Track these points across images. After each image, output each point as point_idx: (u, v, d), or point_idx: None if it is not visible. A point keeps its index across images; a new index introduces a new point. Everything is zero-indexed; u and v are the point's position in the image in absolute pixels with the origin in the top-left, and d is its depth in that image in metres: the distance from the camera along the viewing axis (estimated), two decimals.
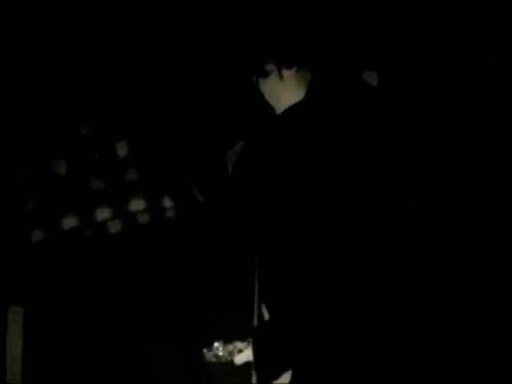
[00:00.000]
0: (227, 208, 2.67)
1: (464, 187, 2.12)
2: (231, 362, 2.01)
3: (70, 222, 2.60)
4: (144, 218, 2.65)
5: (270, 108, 2.17)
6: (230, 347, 2.01)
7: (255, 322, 2.34)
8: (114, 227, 2.63)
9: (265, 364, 1.95)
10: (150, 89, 2.72)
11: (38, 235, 2.60)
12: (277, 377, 1.96)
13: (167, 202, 2.66)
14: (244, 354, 1.99)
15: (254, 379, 2.29)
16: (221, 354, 2.01)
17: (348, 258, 1.84)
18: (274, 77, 2.05)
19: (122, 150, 2.67)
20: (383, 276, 1.83)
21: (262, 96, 2.11)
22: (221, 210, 2.68)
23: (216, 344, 2.02)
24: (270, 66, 2.04)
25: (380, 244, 1.83)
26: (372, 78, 2.32)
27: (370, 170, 1.84)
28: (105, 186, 2.64)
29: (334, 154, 1.88)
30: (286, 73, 2.04)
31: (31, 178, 2.64)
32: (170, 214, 2.67)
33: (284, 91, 2.05)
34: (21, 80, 2.67)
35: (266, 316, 2.21)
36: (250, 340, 1.98)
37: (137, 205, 2.63)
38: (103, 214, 2.61)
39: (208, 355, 2.02)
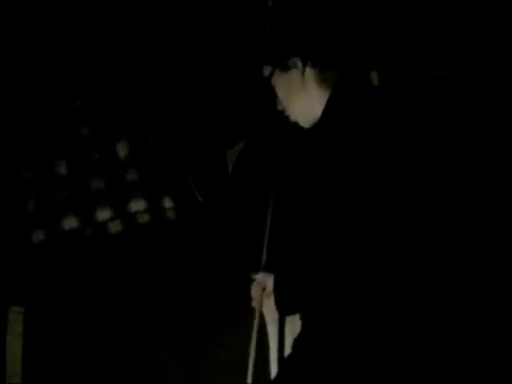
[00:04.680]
0: (227, 208, 2.67)
1: (465, 186, 2.13)
2: None
3: (70, 223, 2.60)
4: (144, 218, 2.65)
5: (269, 108, 2.16)
6: None
7: (256, 321, 2.33)
8: (114, 227, 2.62)
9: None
10: (150, 89, 2.72)
11: (38, 235, 2.60)
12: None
13: (167, 202, 2.66)
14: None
15: (249, 379, 2.30)
16: None
17: (350, 254, 1.85)
18: (294, 73, 2.00)
19: (122, 150, 2.67)
20: (385, 273, 1.83)
21: (267, 92, 2.06)
22: (221, 209, 2.68)
23: None
24: (293, 61, 2.00)
25: (383, 243, 1.83)
26: (372, 78, 2.32)
27: (373, 171, 1.84)
28: (105, 185, 2.64)
29: (346, 158, 1.86)
30: (308, 71, 1.99)
31: (31, 178, 2.64)
32: (169, 214, 2.67)
33: (301, 90, 2.00)
34: (21, 80, 2.67)
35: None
36: None
37: (137, 205, 2.63)
38: (103, 214, 2.61)
39: None
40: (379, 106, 1.94)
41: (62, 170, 2.64)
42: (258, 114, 2.60)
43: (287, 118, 2.07)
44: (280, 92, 2.03)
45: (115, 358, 2.60)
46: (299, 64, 1.99)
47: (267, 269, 2.19)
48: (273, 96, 2.06)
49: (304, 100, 2.00)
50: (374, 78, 2.20)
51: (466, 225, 1.99)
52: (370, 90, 2.01)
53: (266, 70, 2.03)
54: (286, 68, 2.00)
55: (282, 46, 2.00)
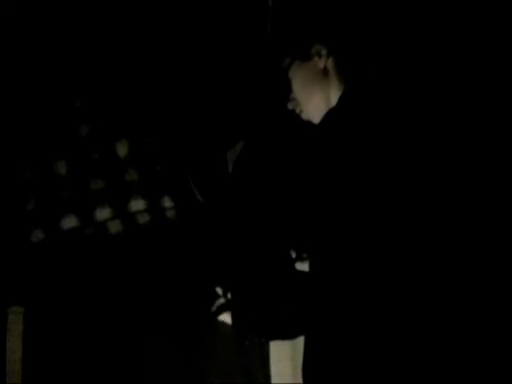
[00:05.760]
0: (227, 208, 2.67)
1: (464, 186, 2.12)
2: None
3: (70, 222, 2.60)
4: (144, 218, 2.65)
5: (269, 108, 2.16)
6: None
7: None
8: (114, 227, 2.62)
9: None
10: (150, 89, 2.72)
11: (37, 235, 2.60)
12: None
13: (167, 202, 2.66)
14: None
15: None
16: None
17: (349, 256, 1.84)
18: (314, 63, 1.96)
19: (122, 150, 2.67)
20: (384, 274, 1.83)
21: (277, 89, 2.04)
22: (221, 209, 2.68)
23: None
24: (316, 48, 1.95)
25: (382, 243, 1.83)
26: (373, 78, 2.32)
27: (373, 171, 1.84)
28: (105, 185, 2.64)
29: (351, 158, 1.85)
30: (330, 61, 1.95)
31: (31, 178, 2.65)
32: (169, 214, 2.67)
33: (322, 82, 1.96)
34: (21, 80, 2.67)
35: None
36: None
37: (137, 205, 2.63)
38: (103, 213, 2.61)
39: None
40: (391, 102, 1.93)
41: (62, 169, 2.64)
42: (259, 114, 2.60)
43: (298, 116, 2.04)
44: (297, 85, 1.99)
45: (115, 358, 2.60)
46: (324, 51, 1.95)
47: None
48: (283, 94, 2.04)
49: (323, 92, 1.96)
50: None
51: (466, 225, 1.99)
52: (384, 88, 1.99)
53: (285, 62, 1.99)
54: (306, 58, 1.96)
55: (304, 32, 1.96)
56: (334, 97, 1.95)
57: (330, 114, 1.93)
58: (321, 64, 1.95)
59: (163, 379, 2.61)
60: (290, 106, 2.04)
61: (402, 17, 2.44)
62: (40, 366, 2.59)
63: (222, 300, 2.09)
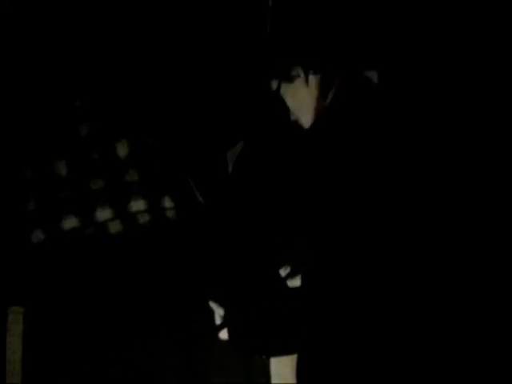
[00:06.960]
0: (227, 208, 2.67)
1: (464, 186, 2.13)
2: None
3: (70, 223, 2.60)
4: (144, 218, 2.65)
5: (269, 109, 2.17)
6: None
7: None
8: (114, 227, 2.63)
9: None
10: (150, 89, 2.72)
11: (38, 235, 2.60)
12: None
13: (167, 202, 2.67)
14: None
15: None
16: None
17: (349, 257, 1.85)
18: (299, 81, 2.02)
19: (122, 150, 2.67)
20: (384, 275, 1.83)
21: (276, 105, 2.09)
22: (221, 209, 2.68)
23: None
24: (295, 71, 2.02)
25: (381, 243, 1.84)
26: (372, 78, 2.32)
27: (373, 171, 1.85)
28: (105, 185, 2.64)
29: (351, 158, 1.87)
30: (311, 78, 2.01)
31: (31, 178, 2.65)
32: (169, 214, 2.67)
33: (307, 97, 2.02)
34: (21, 80, 2.67)
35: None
36: None
37: (137, 205, 2.64)
38: (103, 214, 2.61)
39: None
40: (381, 105, 1.95)
41: (62, 170, 2.64)
42: (259, 114, 2.61)
43: (300, 127, 2.08)
44: (289, 102, 2.06)
45: (115, 358, 2.60)
46: (301, 72, 2.01)
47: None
48: (283, 108, 2.09)
49: (312, 106, 2.02)
50: (374, 78, 2.21)
51: (465, 225, 1.99)
52: (372, 90, 2.02)
53: (274, 84, 2.06)
54: (291, 78, 2.02)
55: (283, 57, 2.02)
56: (319, 102, 2.01)
57: (321, 117, 1.98)
58: (303, 82, 2.01)
59: (164, 379, 2.61)
60: (292, 118, 2.10)
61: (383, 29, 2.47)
62: (40, 365, 2.60)
63: (220, 313, 2.08)
